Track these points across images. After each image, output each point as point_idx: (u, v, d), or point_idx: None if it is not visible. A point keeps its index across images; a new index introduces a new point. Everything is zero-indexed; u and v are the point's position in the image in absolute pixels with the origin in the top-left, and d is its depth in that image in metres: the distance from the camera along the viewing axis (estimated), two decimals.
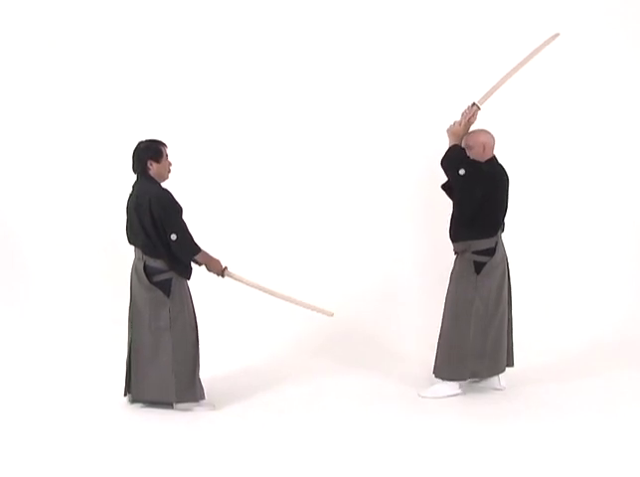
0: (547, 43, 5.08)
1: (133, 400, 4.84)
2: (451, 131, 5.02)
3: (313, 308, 4.98)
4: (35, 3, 6.24)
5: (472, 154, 4.96)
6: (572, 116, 6.14)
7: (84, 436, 4.45)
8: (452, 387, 5.03)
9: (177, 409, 4.77)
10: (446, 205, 5.11)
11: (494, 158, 5.01)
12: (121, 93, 6.26)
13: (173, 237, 4.62)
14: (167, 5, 6.21)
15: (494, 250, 4.98)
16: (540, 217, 6.19)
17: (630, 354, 5.71)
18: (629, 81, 6.14)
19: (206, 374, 4.94)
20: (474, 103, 4.98)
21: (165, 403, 4.77)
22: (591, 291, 6.21)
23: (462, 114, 5.00)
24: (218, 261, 4.84)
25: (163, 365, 4.68)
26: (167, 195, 4.70)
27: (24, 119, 6.31)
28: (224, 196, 6.28)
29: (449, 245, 5.12)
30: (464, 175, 4.88)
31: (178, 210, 4.68)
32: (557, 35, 5.06)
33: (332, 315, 4.98)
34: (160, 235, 4.63)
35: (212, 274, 4.89)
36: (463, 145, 5.00)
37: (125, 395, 4.85)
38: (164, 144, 4.77)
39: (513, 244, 5.24)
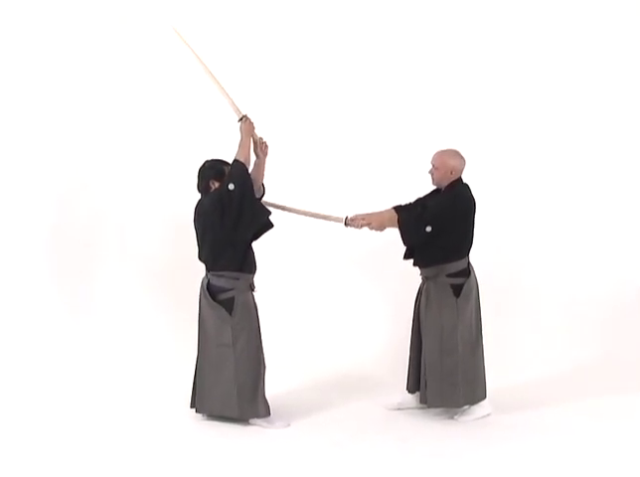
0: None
1: (200, 413, 4.92)
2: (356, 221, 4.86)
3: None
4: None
5: (436, 174, 4.84)
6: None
7: (151, 445, 4.53)
8: (484, 407, 4.92)
9: (252, 424, 4.81)
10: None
11: (460, 180, 4.86)
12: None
13: (231, 186, 4.63)
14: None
15: (468, 271, 4.87)
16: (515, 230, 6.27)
17: (608, 376, 5.64)
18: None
19: (277, 389, 4.99)
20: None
21: (236, 419, 4.81)
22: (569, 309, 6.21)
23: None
24: (245, 141, 4.77)
25: (226, 380, 4.74)
26: None
27: (99, 136, 6.44)
28: None
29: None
30: (432, 229, 4.72)
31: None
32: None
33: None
34: (222, 220, 4.63)
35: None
36: (430, 163, 4.85)
37: (192, 406, 4.92)
38: (228, 164, 4.83)
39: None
